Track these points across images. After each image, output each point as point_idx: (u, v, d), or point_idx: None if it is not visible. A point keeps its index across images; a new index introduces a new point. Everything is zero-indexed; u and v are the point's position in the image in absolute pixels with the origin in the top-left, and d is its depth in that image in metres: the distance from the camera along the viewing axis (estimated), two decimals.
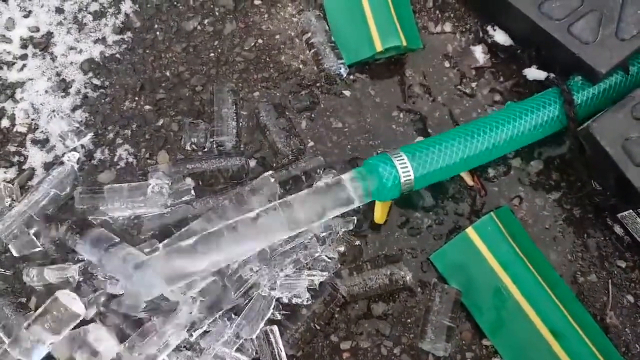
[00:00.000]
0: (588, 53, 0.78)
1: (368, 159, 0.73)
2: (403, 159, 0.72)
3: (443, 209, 0.82)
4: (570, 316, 0.73)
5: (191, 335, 0.69)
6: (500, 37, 0.91)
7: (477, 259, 0.77)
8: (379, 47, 0.87)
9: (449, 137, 0.75)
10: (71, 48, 0.91)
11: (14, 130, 0.85)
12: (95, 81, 0.89)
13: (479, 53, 0.92)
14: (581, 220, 0.82)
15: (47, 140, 0.85)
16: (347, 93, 0.89)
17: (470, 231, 0.78)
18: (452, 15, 0.95)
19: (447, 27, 0.94)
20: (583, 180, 0.83)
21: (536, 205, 0.83)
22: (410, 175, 0.71)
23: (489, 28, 0.92)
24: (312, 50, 0.90)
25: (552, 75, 0.84)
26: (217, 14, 0.94)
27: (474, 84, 0.90)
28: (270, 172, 0.79)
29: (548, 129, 0.79)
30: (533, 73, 0.88)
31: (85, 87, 0.88)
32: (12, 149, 0.84)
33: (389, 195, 0.73)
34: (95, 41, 0.92)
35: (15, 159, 0.84)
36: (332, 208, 0.70)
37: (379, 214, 0.78)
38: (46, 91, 0.88)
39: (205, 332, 0.70)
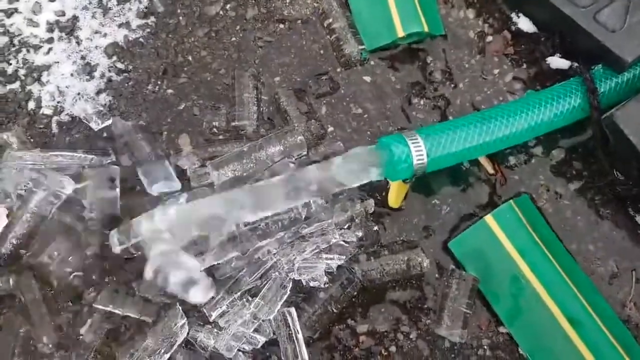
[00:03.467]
0: (614, 41, 0.77)
1: (382, 138, 0.73)
2: (417, 140, 0.72)
3: (462, 196, 0.82)
4: (588, 305, 0.73)
5: (210, 315, 0.71)
6: (524, 24, 0.90)
7: (496, 247, 0.77)
8: (400, 33, 0.87)
9: (466, 121, 0.75)
10: (96, 32, 0.92)
11: (40, 112, 0.87)
12: (119, 65, 0.90)
13: (502, 40, 0.91)
14: (602, 210, 0.81)
15: (72, 122, 0.87)
16: (367, 79, 0.89)
17: (489, 219, 0.78)
18: (475, 1, 0.94)
19: (470, 13, 0.93)
20: (605, 170, 0.82)
21: (557, 194, 0.82)
22: (423, 156, 0.71)
23: (512, 15, 0.91)
24: (333, 36, 0.90)
25: (575, 64, 0.83)
26: None
27: (496, 71, 0.89)
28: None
29: (569, 117, 0.78)
30: (556, 62, 0.87)
31: (110, 71, 0.90)
32: (38, 130, 0.86)
33: (401, 175, 0.73)
34: (120, 25, 0.93)
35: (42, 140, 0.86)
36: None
37: (394, 197, 0.78)
38: (71, 74, 0.89)
39: (224, 312, 0.71)
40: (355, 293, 0.76)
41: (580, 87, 0.78)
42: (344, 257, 0.75)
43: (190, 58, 0.91)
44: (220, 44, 0.92)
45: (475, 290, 0.74)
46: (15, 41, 0.92)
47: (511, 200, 0.79)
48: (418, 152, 0.71)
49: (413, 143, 0.71)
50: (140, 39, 0.92)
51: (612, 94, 0.79)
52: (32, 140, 0.85)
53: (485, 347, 0.74)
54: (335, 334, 0.75)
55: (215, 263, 0.73)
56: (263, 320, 0.72)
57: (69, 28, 0.93)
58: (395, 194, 0.78)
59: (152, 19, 0.93)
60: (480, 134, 0.74)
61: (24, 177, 0.77)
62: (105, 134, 0.85)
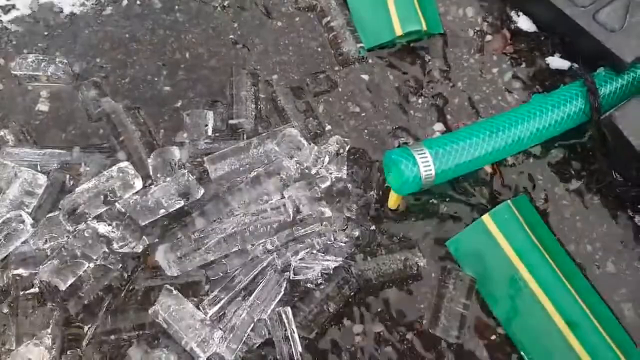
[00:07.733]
0: (614, 41, 0.77)
1: (390, 153, 0.72)
2: (426, 156, 0.71)
3: (460, 196, 0.82)
4: (586, 306, 0.72)
5: (206, 313, 0.70)
6: (524, 23, 0.90)
7: (493, 247, 0.76)
8: (398, 32, 0.86)
9: (473, 133, 0.74)
10: None
11: (36, 109, 0.87)
12: (117, 62, 0.90)
13: (501, 39, 0.90)
14: (601, 210, 0.81)
15: (68, 119, 0.86)
16: (365, 77, 0.88)
17: (486, 218, 0.77)
18: None
19: (469, 12, 0.93)
20: (604, 171, 0.81)
21: (555, 194, 0.82)
22: (431, 173, 0.71)
23: (512, 14, 0.91)
24: (332, 34, 0.90)
25: (575, 65, 0.82)
26: None
27: (495, 70, 0.89)
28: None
29: (572, 122, 0.78)
30: (556, 62, 0.87)
31: (107, 67, 0.89)
32: (34, 127, 0.86)
33: (409, 191, 0.72)
34: (117, 22, 0.92)
35: None
36: None
37: (393, 200, 0.78)
38: None
39: (222, 308, 0.71)
40: (352, 293, 0.76)
41: (583, 91, 0.77)
42: (341, 258, 0.75)
43: (187, 55, 0.90)
44: (218, 41, 0.91)
45: (472, 291, 0.74)
46: None
47: (509, 200, 0.79)
48: (427, 169, 0.71)
49: (422, 160, 0.70)
50: (138, 36, 0.91)
51: (613, 98, 0.78)
52: (28, 137, 0.84)
53: (482, 347, 0.74)
54: (331, 334, 0.75)
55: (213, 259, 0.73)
56: (259, 320, 0.71)
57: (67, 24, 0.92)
58: (396, 197, 0.77)
59: (150, 15, 0.93)
60: (489, 146, 0.73)
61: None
62: (101, 131, 0.85)
